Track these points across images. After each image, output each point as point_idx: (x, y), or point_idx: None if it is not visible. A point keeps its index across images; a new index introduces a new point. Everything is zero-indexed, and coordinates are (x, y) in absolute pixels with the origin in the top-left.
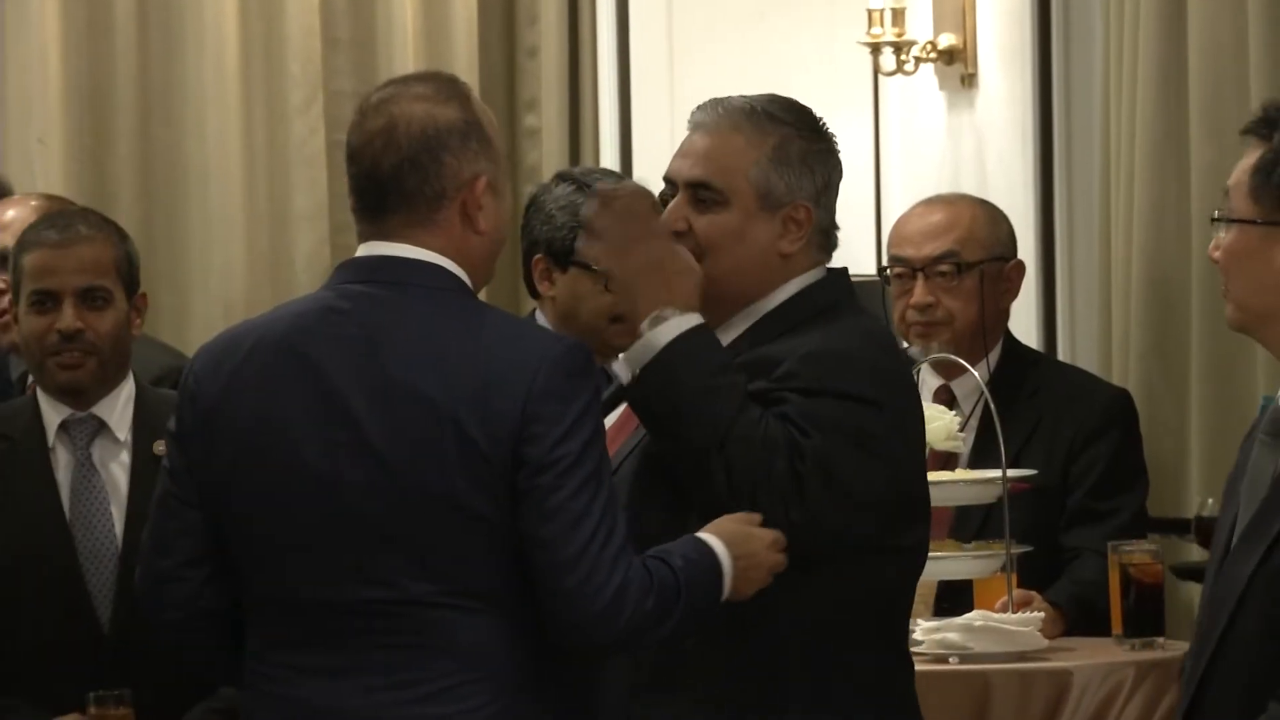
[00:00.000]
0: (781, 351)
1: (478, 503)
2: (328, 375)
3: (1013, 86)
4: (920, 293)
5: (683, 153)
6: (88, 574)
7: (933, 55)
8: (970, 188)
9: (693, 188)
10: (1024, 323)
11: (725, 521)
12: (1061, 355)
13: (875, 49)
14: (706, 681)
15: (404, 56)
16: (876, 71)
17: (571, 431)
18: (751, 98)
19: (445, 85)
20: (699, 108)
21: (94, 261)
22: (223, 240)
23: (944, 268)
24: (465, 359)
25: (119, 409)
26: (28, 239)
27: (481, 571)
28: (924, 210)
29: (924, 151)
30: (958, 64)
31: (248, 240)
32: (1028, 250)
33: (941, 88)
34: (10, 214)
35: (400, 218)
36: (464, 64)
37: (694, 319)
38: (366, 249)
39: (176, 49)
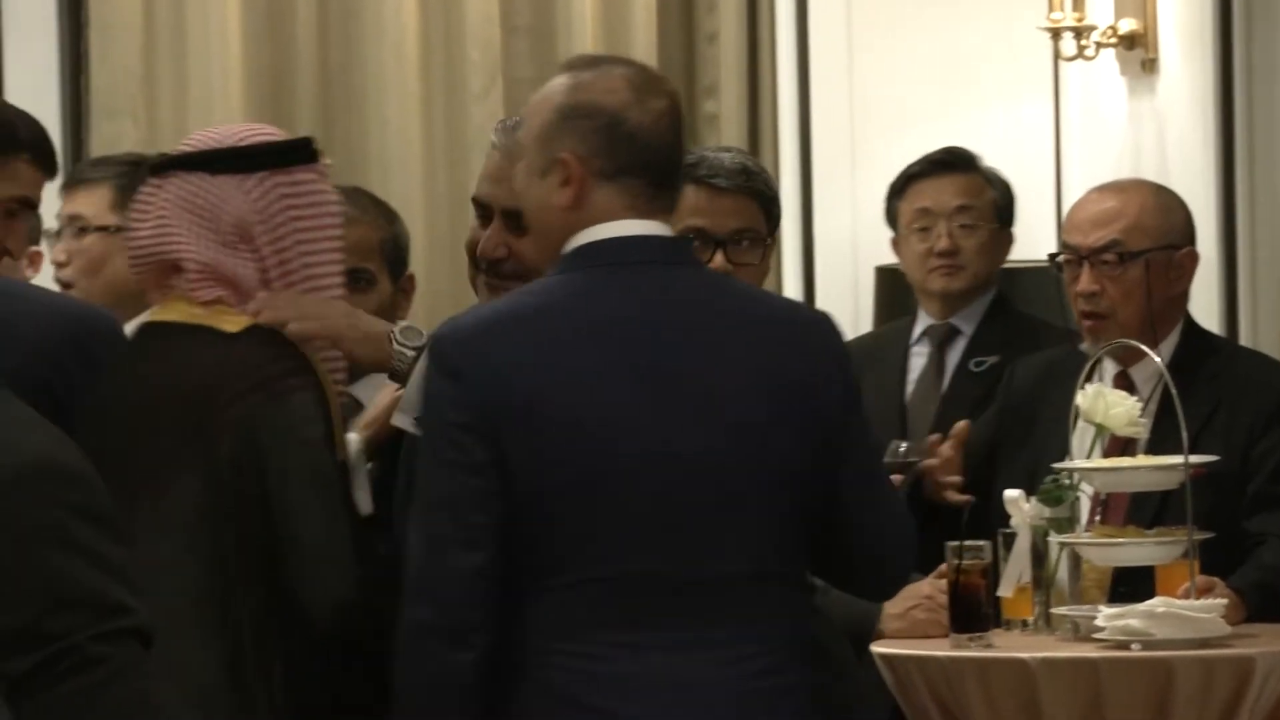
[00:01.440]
0: None
1: (812, 471)
2: (664, 354)
3: (1194, 71)
4: (1086, 281)
5: (491, 177)
6: None
7: (1113, 40)
8: (1150, 173)
9: (507, 215)
10: (1204, 309)
11: None
12: (1243, 341)
13: (1055, 34)
14: None
15: (583, 42)
16: (1057, 57)
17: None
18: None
19: None
20: (498, 129)
21: (358, 243)
22: None
23: (1108, 257)
24: (777, 328)
25: (373, 390)
26: None
27: (799, 544)
28: (1096, 197)
29: (1104, 137)
30: (1138, 49)
31: (427, 226)
32: (1208, 237)
33: (1122, 73)
34: None
35: (673, 197)
36: (642, 49)
37: None
38: (636, 228)
39: (356, 37)
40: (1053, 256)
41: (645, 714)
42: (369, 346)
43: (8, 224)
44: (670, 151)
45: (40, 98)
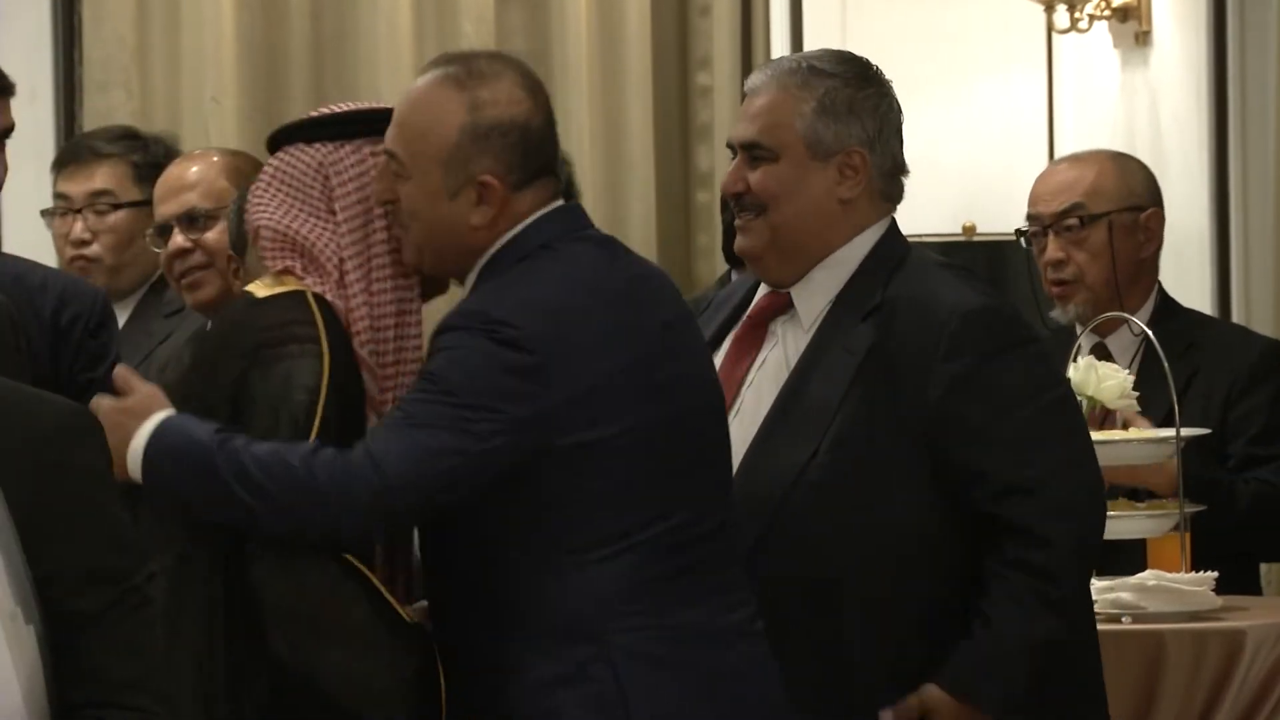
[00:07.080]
0: (918, 317)
1: None
2: (661, 310)
3: (1187, 44)
4: (1051, 249)
5: (739, 118)
6: None
7: (1106, 13)
8: (1144, 146)
9: (747, 148)
10: (1197, 283)
11: None
12: (1236, 317)
13: (1049, 6)
14: None
15: (576, 15)
16: (1050, 29)
17: None
18: (805, 55)
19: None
20: (754, 74)
21: None
22: None
23: (1070, 221)
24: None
25: None
26: None
27: None
28: (1055, 168)
29: (1097, 110)
30: (1132, 21)
31: None
32: (1201, 209)
33: (1115, 45)
34: (194, 169)
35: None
36: (636, 22)
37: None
38: (559, 204)
39: (349, 8)
40: (1019, 233)
41: (732, 664)
42: None
43: None
44: (555, 139)
45: (33, 71)
